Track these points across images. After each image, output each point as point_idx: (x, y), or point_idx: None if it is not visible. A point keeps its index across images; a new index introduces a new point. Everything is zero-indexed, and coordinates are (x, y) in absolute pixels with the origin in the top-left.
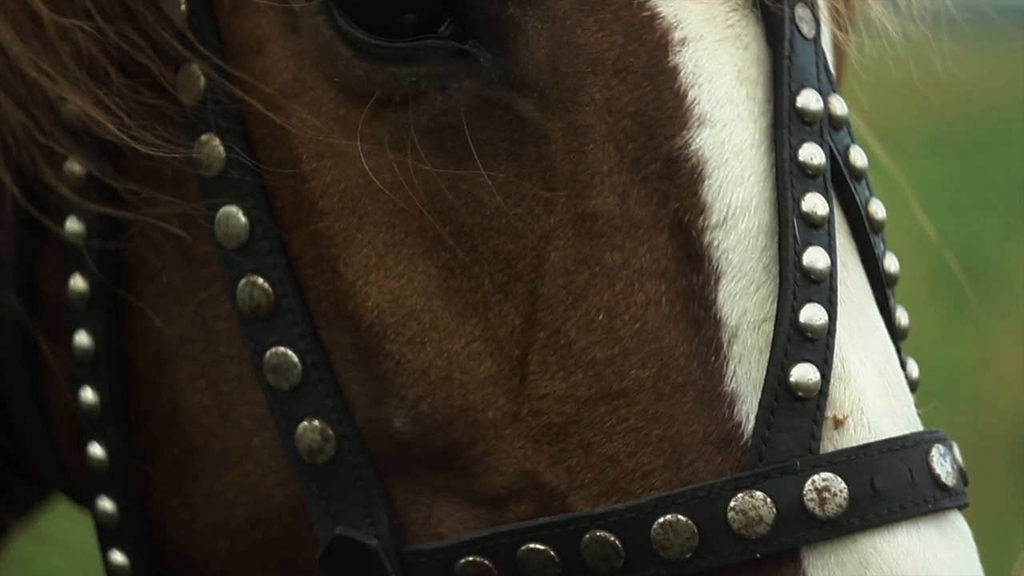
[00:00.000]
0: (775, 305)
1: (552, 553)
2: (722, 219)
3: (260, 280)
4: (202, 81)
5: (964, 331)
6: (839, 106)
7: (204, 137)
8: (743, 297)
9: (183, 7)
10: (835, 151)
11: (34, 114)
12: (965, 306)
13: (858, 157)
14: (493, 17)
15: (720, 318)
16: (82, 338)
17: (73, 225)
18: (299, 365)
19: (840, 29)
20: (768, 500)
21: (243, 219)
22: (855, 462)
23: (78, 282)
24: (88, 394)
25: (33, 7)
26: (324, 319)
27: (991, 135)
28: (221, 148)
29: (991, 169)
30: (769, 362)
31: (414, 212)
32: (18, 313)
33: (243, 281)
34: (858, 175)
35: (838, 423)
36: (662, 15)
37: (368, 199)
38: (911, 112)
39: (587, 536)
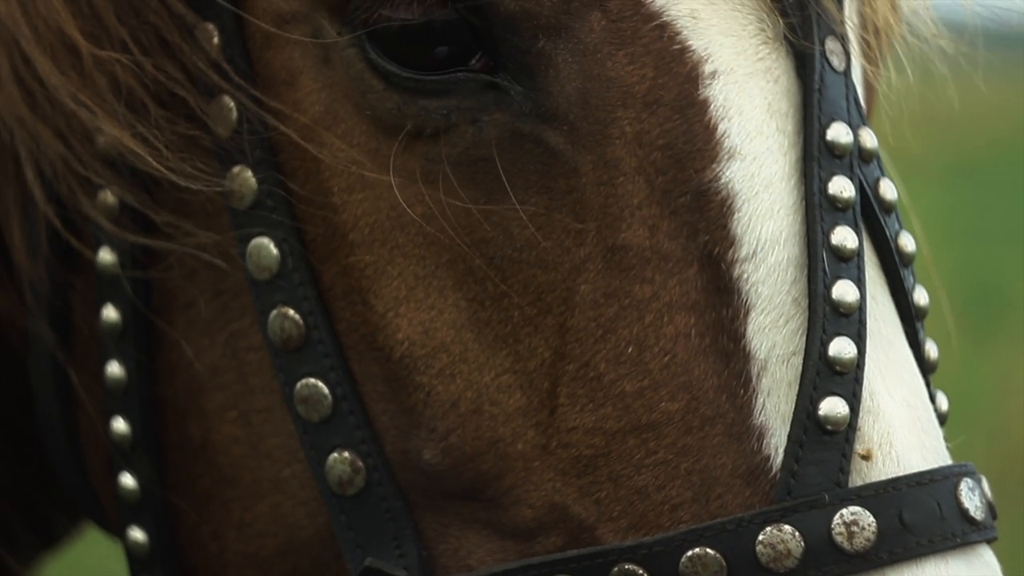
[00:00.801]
0: (804, 338)
1: None
2: (752, 252)
3: (291, 312)
4: (235, 113)
5: (982, 360)
6: (869, 139)
7: (236, 169)
8: (772, 330)
9: (216, 39)
10: (865, 184)
11: (72, 145)
12: (983, 335)
13: (888, 190)
14: (524, 50)
15: (749, 351)
16: (114, 369)
17: (106, 256)
18: (329, 397)
19: (870, 63)
20: (796, 534)
21: (274, 251)
22: (884, 496)
23: (110, 313)
24: (120, 424)
25: (71, 39)
26: (354, 351)
27: (1007, 162)
28: (253, 180)
29: (1008, 196)
30: (798, 395)
31: (444, 244)
32: (50, 344)
33: (274, 312)
34: (888, 208)
35: (867, 457)
36: (692, 48)
37: (399, 231)
38: (926, 139)
39: (615, 569)
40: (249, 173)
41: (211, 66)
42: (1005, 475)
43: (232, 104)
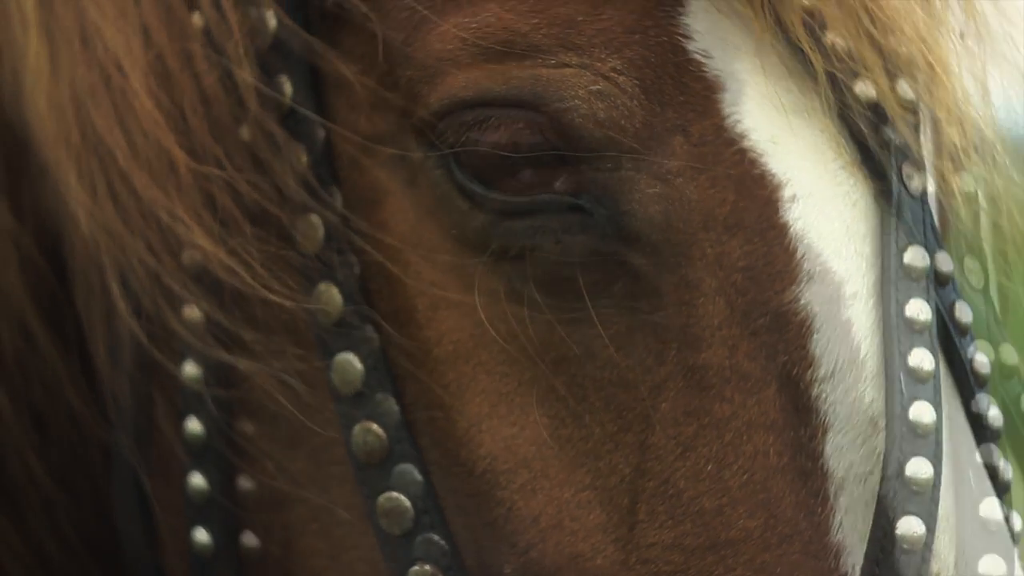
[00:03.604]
0: (882, 458)
1: None
2: (830, 372)
3: (374, 426)
4: (321, 231)
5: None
6: (944, 263)
7: (322, 286)
8: (850, 450)
9: (304, 159)
10: (941, 307)
11: (161, 259)
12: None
13: (963, 313)
14: (608, 174)
15: (827, 470)
16: (196, 480)
17: (191, 369)
18: (411, 510)
19: (944, 187)
20: None
21: (359, 367)
22: None
23: (194, 425)
24: (201, 535)
25: (170, 154)
26: (437, 465)
27: None
28: (339, 297)
29: None
30: (875, 514)
31: (527, 362)
32: (131, 455)
33: (357, 427)
34: (963, 330)
35: None
36: (772, 173)
37: (482, 349)
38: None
39: None
40: (335, 290)
41: (300, 185)
42: None
43: (319, 223)
